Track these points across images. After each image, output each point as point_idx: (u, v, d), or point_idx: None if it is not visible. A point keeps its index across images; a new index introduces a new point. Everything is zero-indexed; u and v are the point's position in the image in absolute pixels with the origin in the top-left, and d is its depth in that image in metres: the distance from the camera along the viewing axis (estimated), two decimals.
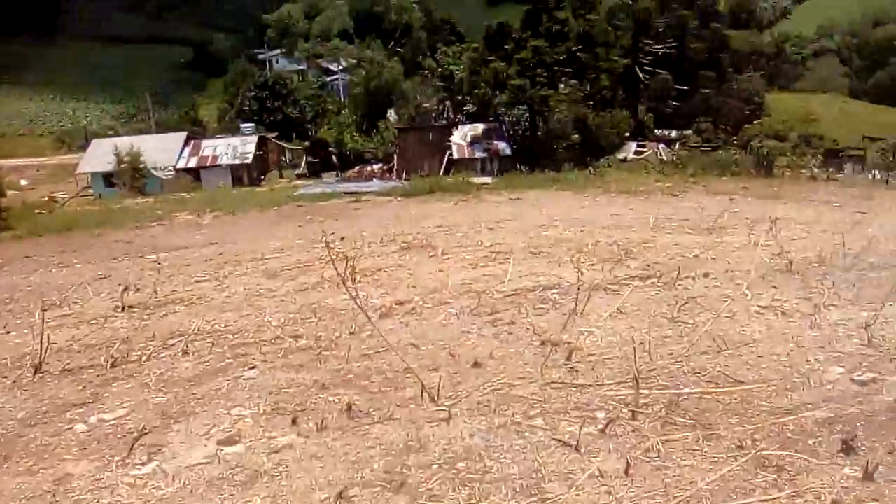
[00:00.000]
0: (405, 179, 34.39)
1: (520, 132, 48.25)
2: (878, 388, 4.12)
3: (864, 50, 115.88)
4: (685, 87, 52.78)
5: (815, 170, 34.32)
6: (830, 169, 37.05)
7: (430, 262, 9.52)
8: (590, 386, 4.45)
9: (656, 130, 54.79)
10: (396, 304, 7.04)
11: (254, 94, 59.66)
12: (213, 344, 5.99)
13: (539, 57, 45.06)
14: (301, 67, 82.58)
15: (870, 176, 38.30)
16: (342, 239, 12.05)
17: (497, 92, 45.84)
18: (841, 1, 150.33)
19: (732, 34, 70.70)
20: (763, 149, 33.77)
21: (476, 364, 4.98)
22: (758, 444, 3.52)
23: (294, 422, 4.15)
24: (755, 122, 55.26)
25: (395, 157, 46.72)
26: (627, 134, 50.15)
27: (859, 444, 3.42)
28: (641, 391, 4.15)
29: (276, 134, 55.18)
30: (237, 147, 49.27)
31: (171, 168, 46.75)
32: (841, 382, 4.26)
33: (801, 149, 44.57)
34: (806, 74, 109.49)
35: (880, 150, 47.30)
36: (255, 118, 56.61)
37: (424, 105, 55.00)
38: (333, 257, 5.53)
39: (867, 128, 72.73)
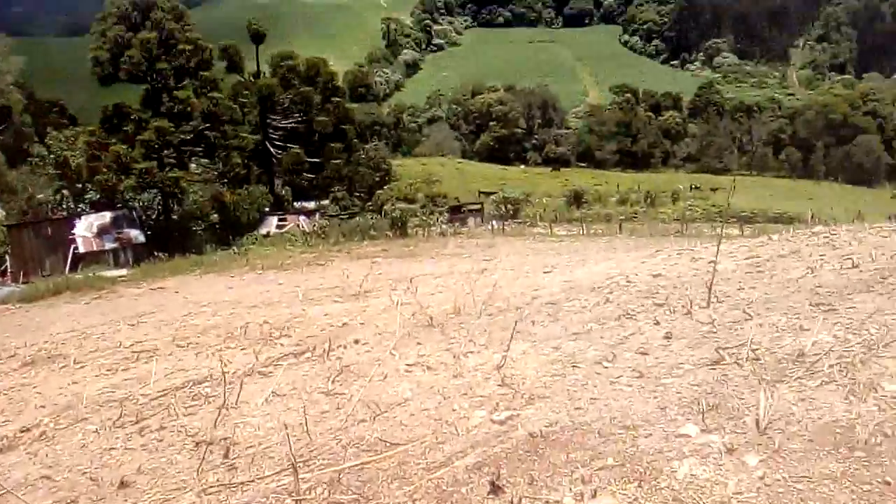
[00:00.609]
0: (23, 282, 30.70)
1: (153, 217, 45.96)
2: (514, 423, 4.47)
3: (469, 116, 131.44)
4: (317, 160, 54.71)
5: (444, 226, 37.62)
6: (456, 224, 40.74)
7: (61, 375, 8.44)
8: (250, 482, 4.20)
9: (295, 203, 55.95)
10: (21, 432, 6.08)
11: None
12: None
13: (164, 137, 43.59)
14: None
15: (489, 226, 42.92)
16: None
17: (122, 176, 43.22)
18: (442, 74, 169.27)
19: (354, 107, 75.39)
20: (396, 211, 36.05)
21: (123, 484, 4.45)
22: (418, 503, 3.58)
23: None
24: (386, 187, 59.25)
25: (8, 258, 41.42)
26: (267, 209, 50.45)
27: (504, 482, 3.64)
28: (302, 476, 4.02)
29: None
30: None
31: None
32: (483, 425, 4.54)
33: (429, 208, 48.71)
34: (423, 140, 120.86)
35: (494, 202, 53.59)
36: None
37: (38, 197, 49.74)
38: None
39: (481, 184, 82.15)
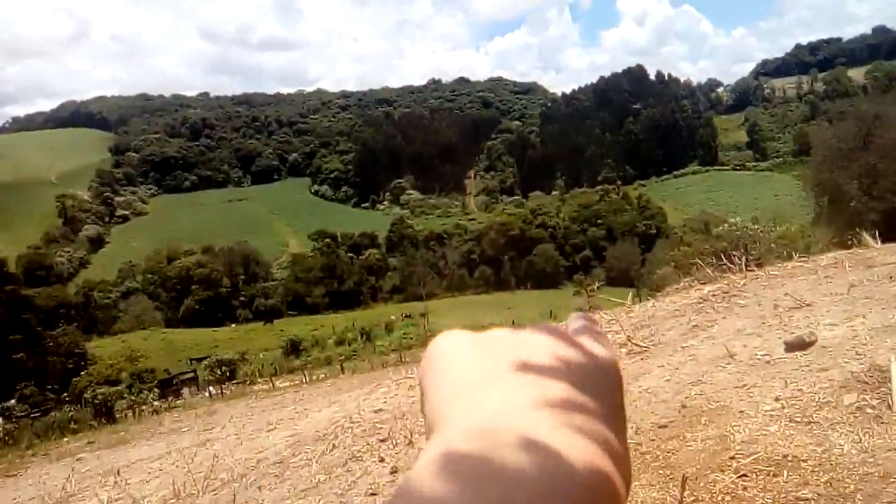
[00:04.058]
0: None
1: None
2: None
3: (168, 283, 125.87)
4: None
5: (156, 403, 34.91)
6: (170, 398, 38.11)
7: None
8: None
9: None
10: None
11: None
12: None
13: None
14: None
15: (206, 393, 40.74)
16: None
17: None
18: (132, 244, 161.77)
19: (34, 292, 68.95)
20: (98, 397, 33.01)
21: None
22: None
23: None
24: (83, 373, 54.08)
25: None
26: None
27: None
28: None
29: None
30: None
31: None
32: None
33: (137, 386, 45.06)
34: (121, 316, 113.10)
35: (207, 367, 51.17)
36: None
37: None
38: None
39: (191, 351, 78.36)
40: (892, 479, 3.23)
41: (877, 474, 3.29)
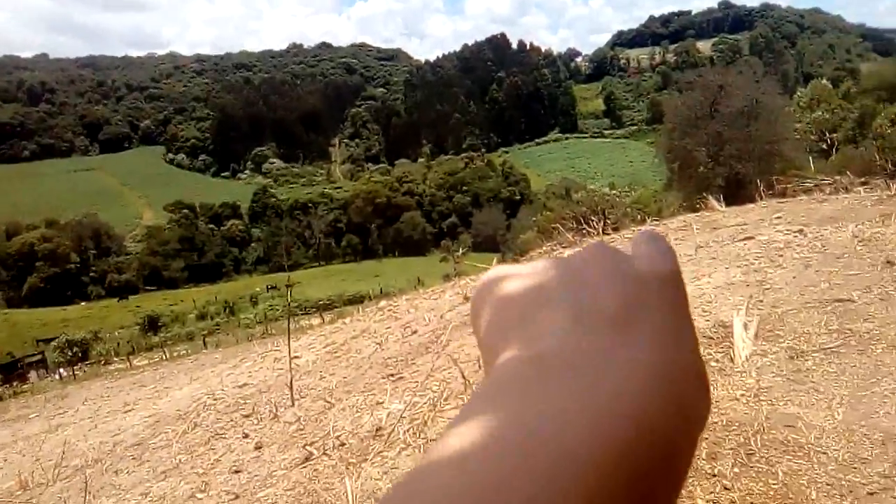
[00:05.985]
0: None
1: None
2: None
3: (8, 261, 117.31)
4: None
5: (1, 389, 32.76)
6: (15, 383, 35.90)
7: None
8: None
9: None
10: None
11: None
12: None
13: None
14: None
15: (57, 376, 38.55)
16: None
17: None
18: None
19: None
20: None
21: None
22: None
23: None
24: None
25: None
26: None
27: None
28: None
29: None
30: None
31: None
32: None
33: None
34: None
35: (57, 348, 48.30)
36: None
37: None
38: None
39: (38, 332, 73.64)
40: (733, 427, 3.44)
41: (720, 423, 3.49)
